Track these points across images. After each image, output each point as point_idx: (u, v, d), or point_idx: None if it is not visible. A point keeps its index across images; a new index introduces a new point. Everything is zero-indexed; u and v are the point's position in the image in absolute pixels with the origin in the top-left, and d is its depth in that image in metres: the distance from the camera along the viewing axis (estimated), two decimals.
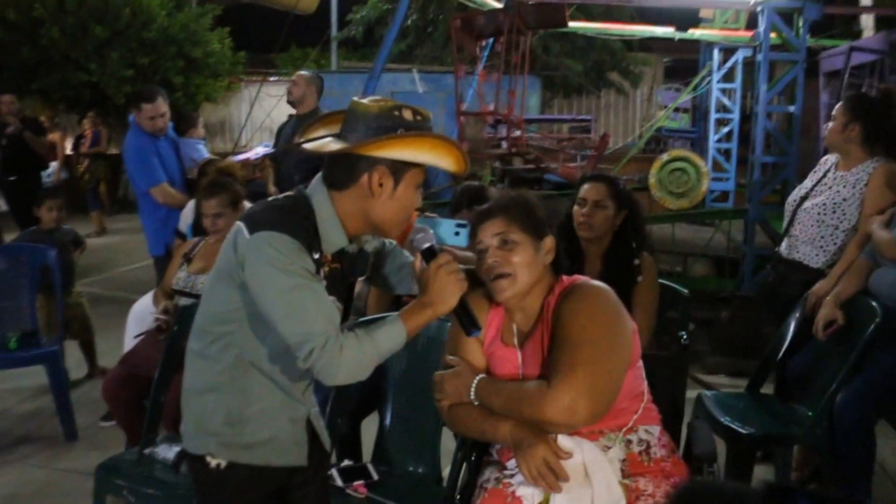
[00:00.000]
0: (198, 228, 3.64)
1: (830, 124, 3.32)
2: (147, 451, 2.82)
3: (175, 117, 4.76)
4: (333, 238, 1.80)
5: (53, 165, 10.22)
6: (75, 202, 10.92)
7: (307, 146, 1.81)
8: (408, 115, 1.74)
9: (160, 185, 4.39)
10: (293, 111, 5.16)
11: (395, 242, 2.06)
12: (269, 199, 1.85)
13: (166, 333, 3.18)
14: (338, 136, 1.79)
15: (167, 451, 2.77)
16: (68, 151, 10.94)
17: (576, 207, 2.95)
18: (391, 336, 1.75)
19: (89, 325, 4.74)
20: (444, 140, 1.77)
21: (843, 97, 5.15)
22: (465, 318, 1.86)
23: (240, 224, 1.74)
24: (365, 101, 1.78)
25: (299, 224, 1.72)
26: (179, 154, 4.68)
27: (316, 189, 1.81)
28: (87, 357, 4.84)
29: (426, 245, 1.83)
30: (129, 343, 3.68)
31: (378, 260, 2.04)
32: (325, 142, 1.80)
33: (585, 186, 2.97)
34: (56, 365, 4.02)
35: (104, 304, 6.18)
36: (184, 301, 3.37)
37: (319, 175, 1.82)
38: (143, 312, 3.74)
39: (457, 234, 1.95)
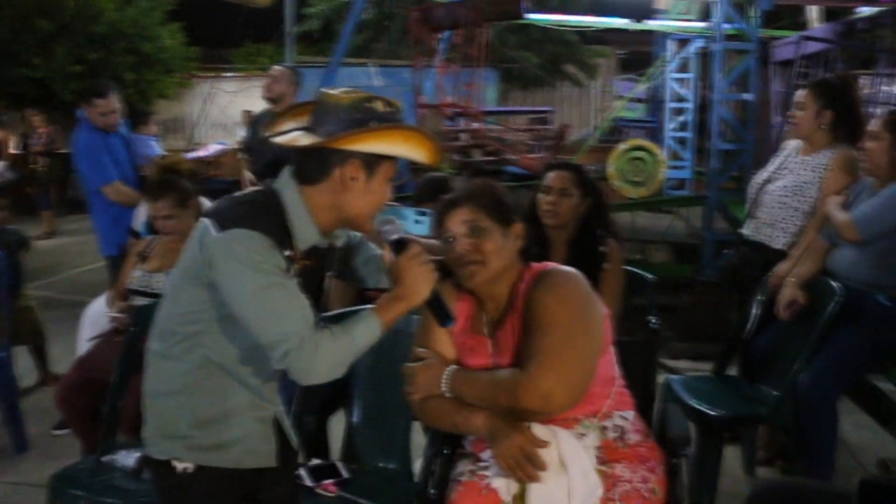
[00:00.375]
0: (153, 226, 3.54)
1: (799, 113, 3.31)
2: (105, 458, 2.70)
3: (127, 114, 4.64)
4: (306, 234, 1.74)
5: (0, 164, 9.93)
6: (21, 203, 10.64)
7: (277, 140, 1.75)
8: (380, 106, 1.70)
9: (112, 183, 4.27)
10: (248, 107, 5.05)
11: (360, 235, 2.01)
12: (236, 194, 1.78)
13: (123, 335, 3.08)
14: (308, 129, 1.74)
15: (127, 458, 2.66)
16: (12, 150, 10.62)
17: (541, 195, 2.93)
18: (367, 331, 1.70)
19: (40, 330, 4.57)
20: (418, 132, 1.73)
21: (793, 86, 5.22)
22: (438, 310, 1.83)
23: (206, 221, 1.67)
24: (335, 92, 1.72)
25: (270, 221, 1.67)
26: (131, 151, 4.55)
27: (285, 184, 1.74)
28: (39, 363, 4.66)
29: (395, 236, 1.79)
30: (82, 347, 3.56)
31: (345, 253, 1.99)
32: (295, 135, 1.74)
33: (551, 174, 2.95)
34: (4, 372, 3.85)
35: (56, 307, 6.00)
36: (140, 301, 3.27)
37: (288, 169, 1.76)
38: (97, 315, 3.63)
39: (418, 222, 1.92)
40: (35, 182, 9.98)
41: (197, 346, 1.73)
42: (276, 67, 4.87)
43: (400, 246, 1.78)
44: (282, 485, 1.97)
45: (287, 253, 1.68)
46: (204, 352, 1.73)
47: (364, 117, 1.68)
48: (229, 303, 1.64)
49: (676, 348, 5.16)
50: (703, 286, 5.69)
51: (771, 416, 3.05)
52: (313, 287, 1.83)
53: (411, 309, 1.77)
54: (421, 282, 1.74)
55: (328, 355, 1.64)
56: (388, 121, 1.70)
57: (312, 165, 1.71)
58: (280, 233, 1.67)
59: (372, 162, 1.70)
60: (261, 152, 4.80)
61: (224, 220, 1.64)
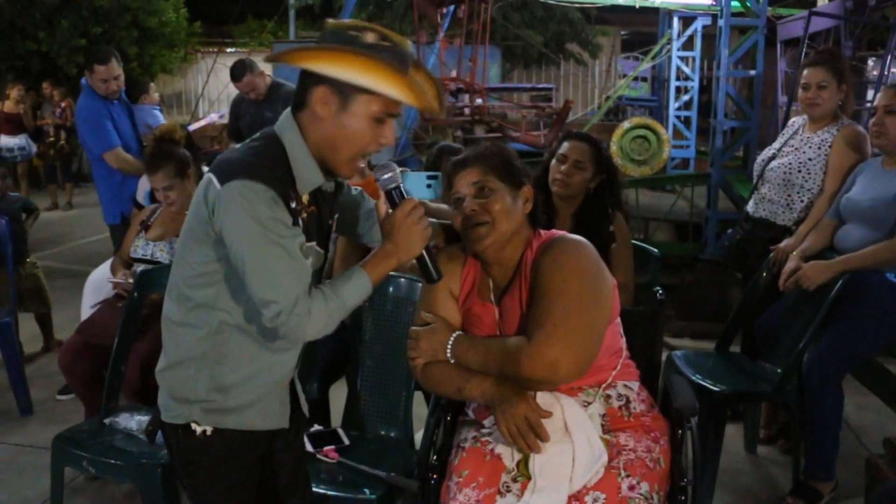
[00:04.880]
0: (155, 196, 3.52)
1: (817, 91, 3.24)
2: (107, 420, 2.73)
3: (126, 85, 4.60)
4: (309, 176, 1.68)
5: (19, 138, 9.95)
6: (36, 176, 10.69)
7: (267, 59, 1.71)
8: (369, 37, 1.60)
9: (114, 149, 4.24)
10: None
11: (361, 189, 1.98)
12: (239, 145, 1.72)
13: (125, 301, 3.08)
14: None
15: (129, 421, 2.70)
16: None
17: (554, 162, 2.89)
18: (357, 290, 1.67)
19: (45, 297, 4.57)
20: (387, 63, 1.57)
21: (802, 63, 5.17)
22: (426, 267, 1.78)
23: (209, 175, 1.61)
24: (336, 21, 1.67)
25: (273, 170, 1.61)
26: (134, 120, 4.52)
27: (285, 125, 1.69)
28: (43, 330, 4.70)
29: (392, 186, 1.73)
30: (86, 313, 3.56)
31: (346, 208, 1.95)
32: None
33: (567, 144, 2.89)
34: (8, 337, 3.89)
35: (60, 277, 6.03)
36: (143, 269, 3.26)
37: (288, 110, 1.71)
38: (100, 281, 3.63)
39: (428, 186, 1.89)
40: (56, 155, 9.95)
41: (214, 310, 1.69)
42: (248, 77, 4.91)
43: (396, 197, 1.72)
44: (292, 449, 1.96)
45: (293, 205, 1.63)
46: (220, 316, 1.69)
47: (341, 42, 1.59)
48: (231, 255, 1.60)
49: (678, 327, 5.16)
50: (705, 265, 5.68)
51: (774, 394, 3.03)
52: (321, 235, 1.77)
53: (400, 264, 1.72)
54: (414, 239, 1.69)
55: (319, 319, 1.60)
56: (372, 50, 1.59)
57: (299, 89, 1.66)
58: (283, 182, 1.62)
59: (344, 90, 1.60)
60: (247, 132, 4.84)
61: (226, 172, 1.58)
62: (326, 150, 1.66)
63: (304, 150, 1.67)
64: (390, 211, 1.72)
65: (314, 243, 1.71)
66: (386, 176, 1.73)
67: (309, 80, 1.63)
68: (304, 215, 1.69)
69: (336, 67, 1.56)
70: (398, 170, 1.74)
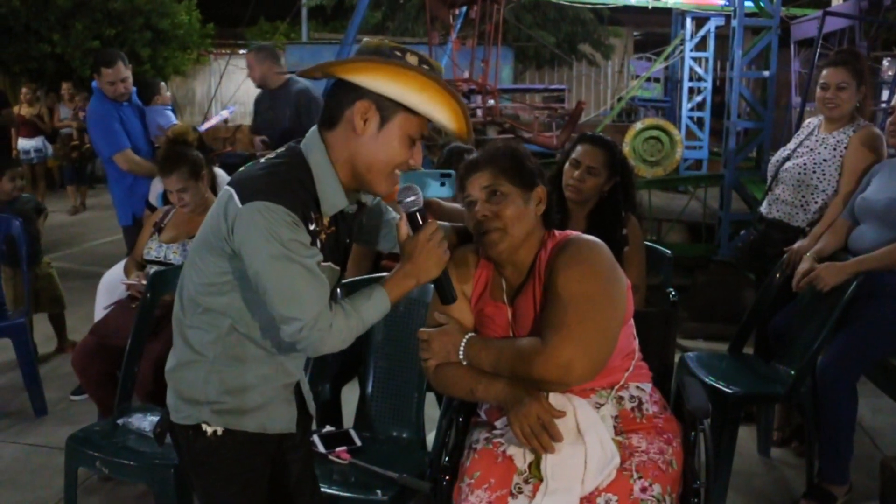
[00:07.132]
0: (168, 198, 3.54)
1: (836, 92, 3.21)
2: (120, 421, 2.75)
3: (138, 87, 4.61)
4: (333, 199, 1.68)
5: (36, 141, 10.03)
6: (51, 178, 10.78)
7: (297, 74, 1.71)
8: (412, 59, 1.61)
9: (123, 151, 4.25)
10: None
11: (378, 198, 1.98)
12: (262, 160, 1.71)
13: (138, 302, 3.10)
14: None
15: (142, 421, 2.71)
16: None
17: (567, 166, 2.87)
18: (376, 309, 1.70)
19: (59, 298, 4.60)
20: (441, 85, 1.61)
21: (816, 64, 5.13)
22: (442, 288, 1.81)
23: (230, 190, 1.61)
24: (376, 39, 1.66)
25: (295, 192, 1.61)
26: (144, 121, 4.53)
27: (312, 144, 1.69)
28: (57, 331, 4.72)
29: (414, 209, 1.73)
30: (99, 314, 3.59)
31: (369, 220, 1.95)
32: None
33: (580, 148, 2.86)
34: (23, 338, 3.91)
35: (74, 278, 6.06)
36: (156, 270, 3.27)
37: (314, 128, 1.71)
38: (113, 282, 3.64)
39: (442, 184, 1.89)
40: (79, 158, 10.02)
41: (224, 316, 1.71)
42: (247, 54, 4.86)
43: (418, 220, 1.73)
44: (299, 450, 1.97)
45: (312, 227, 1.63)
46: (230, 323, 1.71)
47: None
48: (249, 274, 1.61)
49: (691, 328, 5.14)
50: (719, 266, 5.66)
51: (787, 396, 3.02)
52: (338, 254, 1.78)
53: (419, 285, 1.75)
54: (433, 263, 1.72)
55: (339, 334, 1.63)
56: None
57: (332, 104, 1.66)
58: (305, 204, 1.62)
59: (386, 106, 1.62)
60: (268, 129, 4.84)
61: (248, 191, 1.58)
62: (362, 169, 1.67)
63: (331, 174, 1.67)
64: (411, 233, 1.73)
65: (330, 262, 1.72)
66: (409, 199, 1.73)
67: (348, 94, 1.62)
68: (324, 237, 1.69)
69: (391, 83, 1.58)
70: (419, 192, 1.74)
